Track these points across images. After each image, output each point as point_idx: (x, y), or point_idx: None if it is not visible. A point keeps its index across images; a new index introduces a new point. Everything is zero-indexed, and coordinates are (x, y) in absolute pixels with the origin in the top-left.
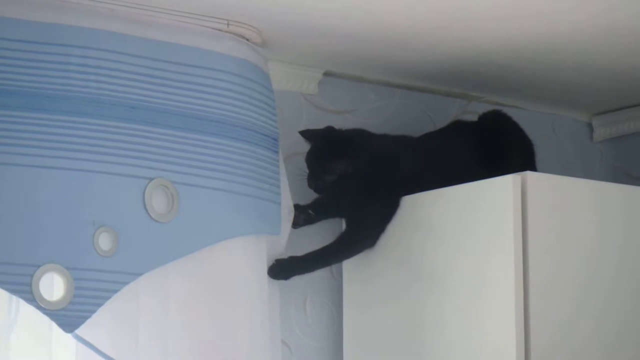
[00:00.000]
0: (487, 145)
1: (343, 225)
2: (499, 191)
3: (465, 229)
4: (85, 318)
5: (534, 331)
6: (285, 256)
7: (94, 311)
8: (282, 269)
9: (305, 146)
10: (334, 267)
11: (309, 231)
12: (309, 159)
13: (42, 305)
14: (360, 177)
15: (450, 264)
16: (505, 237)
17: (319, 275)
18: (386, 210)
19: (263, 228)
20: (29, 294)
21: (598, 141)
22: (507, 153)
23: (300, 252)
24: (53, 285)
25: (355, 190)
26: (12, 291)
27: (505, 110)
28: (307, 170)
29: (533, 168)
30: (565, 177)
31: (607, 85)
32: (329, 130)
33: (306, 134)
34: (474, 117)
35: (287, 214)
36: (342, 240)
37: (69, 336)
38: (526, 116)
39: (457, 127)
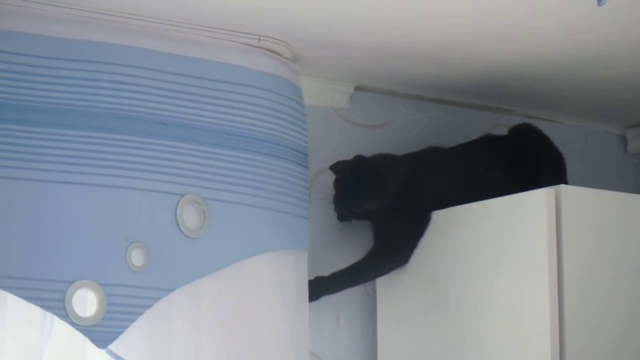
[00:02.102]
0: (517, 159)
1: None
2: (532, 205)
3: (499, 243)
4: (118, 334)
5: (570, 345)
6: (312, 277)
7: (126, 327)
8: (309, 290)
9: (337, 159)
10: None
11: (341, 248)
12: (337, 186)
13: (75, 321)
14: (388, 202)
15: (484, 278)
16: (539, 251)
17: (353, 290)
18: (415, 228)
19: (292, 243)
20: (62, 310)
21: (632, 153)
22: (537, 166)
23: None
24: (86, 301)
25: (383, 212)
26: (46, 307)
27: (538, 123)
28: (334, 192)
29: (564, 180)
30: (599, 190)
31: None
32: (357, 161)
33: (336, 168)
34: (506, 131)
35: None
36: (370, 259)
37: (102, 352)
38: (559, 129)
39: (487, 141)
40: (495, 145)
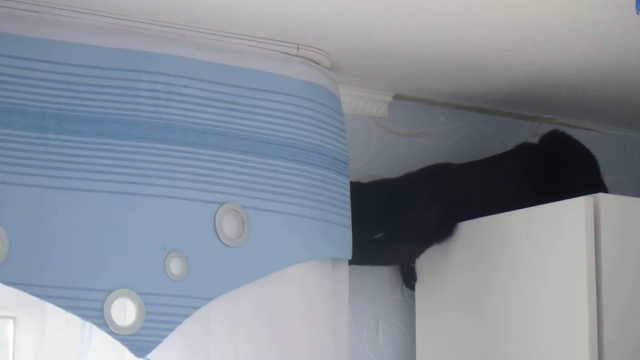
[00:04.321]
0: (550, 166)
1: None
2: (571, 213)
3: (537, 252)
4: (157, 343)
5: (609, 357)
6: None
7: (165, 336)
8: None
9: (376, 170)
10: (405, 290)
11: None
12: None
13: (114, 331)
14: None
15: (522, 289)
16: (578, 260)
17: (391, 299)
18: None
19: (333, 251)
20: (101, 319)
21: None
22: (571, 171)
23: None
24: (125, 310)
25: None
26: (85, 317)
27: (576, 132)
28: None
29: (599, 183)
30: (638, 199)
31: None
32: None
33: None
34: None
35: None
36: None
37: None
38: (597, 137)
39: (519, 151)
40: (527, 155)
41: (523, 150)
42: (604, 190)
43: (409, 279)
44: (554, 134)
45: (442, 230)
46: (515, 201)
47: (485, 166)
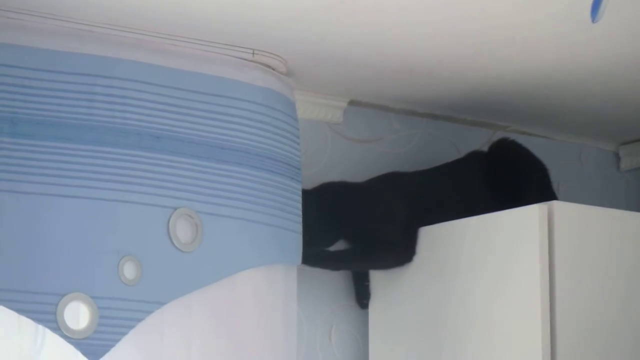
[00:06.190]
0: (501, 174)
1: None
2: (525, 221)
3: (491, 258)
4: (110, 347)
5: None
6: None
7: (118, 340)
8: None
9: (331, 175)
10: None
11: None
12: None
13: (67, 334)
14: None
15: (475, 294)
16: (532, 266)
17: (344, 305)
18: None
19: (284, 257)
20: (54, 322)
21: (624, 170)
22: (521, 179)
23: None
24: (78, 314)
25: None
26: (38, 320)
27: (531, 139)
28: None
29: (549, 191)
30: (591, 207)
31: (634, 115)
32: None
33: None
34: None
35: None
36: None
37: None
38: (553, 145)
39: (470, 159)
40: (477, 163)
41: (474, 158)
42: (553, 197)
43: (362, 297)
44: (503, 142)
45: (409, 240)
46: (468, 209)
47: (437, 174)
